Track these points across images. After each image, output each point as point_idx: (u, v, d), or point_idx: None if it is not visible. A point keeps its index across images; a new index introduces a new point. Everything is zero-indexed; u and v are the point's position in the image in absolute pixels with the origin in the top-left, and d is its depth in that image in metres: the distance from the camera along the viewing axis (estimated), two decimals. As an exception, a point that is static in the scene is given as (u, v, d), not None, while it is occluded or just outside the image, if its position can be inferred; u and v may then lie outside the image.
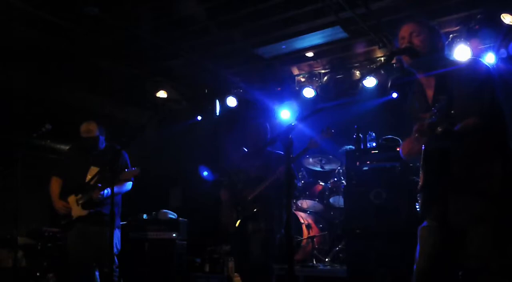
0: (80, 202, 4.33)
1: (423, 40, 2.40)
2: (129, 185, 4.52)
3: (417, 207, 2.39)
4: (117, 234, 4.40)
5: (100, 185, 4.23)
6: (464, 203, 2.22)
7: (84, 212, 4.31)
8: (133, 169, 4.39)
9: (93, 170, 4.36)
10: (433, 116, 2.08)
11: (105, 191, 4.23)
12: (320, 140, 4.15)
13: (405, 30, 2.46)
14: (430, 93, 2.43)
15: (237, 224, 4.21)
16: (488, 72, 2.32)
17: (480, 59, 2.45)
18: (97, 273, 4.34)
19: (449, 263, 2.30)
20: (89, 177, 4.35)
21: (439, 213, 2.29)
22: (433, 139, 2.19)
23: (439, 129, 2.09)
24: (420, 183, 2.33)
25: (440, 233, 2.31)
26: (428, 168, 2.29)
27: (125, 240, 4.58)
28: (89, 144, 4.50)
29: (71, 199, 4.37)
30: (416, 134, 2.18)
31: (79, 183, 4.35)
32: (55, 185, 4.52)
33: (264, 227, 4.11)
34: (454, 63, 2.45)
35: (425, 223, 2.41)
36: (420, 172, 2.33)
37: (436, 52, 2.44)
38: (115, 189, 4.27)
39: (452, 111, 2.17)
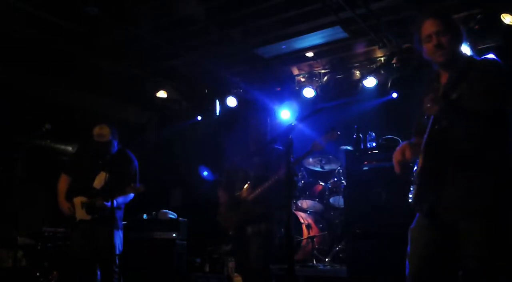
0: (85, 206, 4.33)
1: (450, 40, 2.36)
2: (132, 195, 4.52)
3: (409, 197, 2.35)
4: (120, 235, 4.41)
5: (104, 192, 4.23)
6: (459, 194, 2.20)
7: (87, 217, 4.32)
8: (138, 185, 4.38)
9: (102, 175, 4.36)
10: (450, 80, 2.06)
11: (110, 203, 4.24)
12: (324, 142, 4.05)
13: (428, 28, 2.40)
14: (444, 81, 2.41)
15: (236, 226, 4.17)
16: (503, 70, 2.30)
17: (495, 57, 2.41)
18: (98, 273, 4.35)
19: (445, 263, 2.27)
20: (97, 182, 4.37)
21: (432, 206, 2.26)
22: (443, 111, 2.15)
23: (454, 95, 2.07)
24: (417, 168, 2.29)
25: (432, 232, 2.28)
26: (429, 151, 2.26)
27: (125, 240, 4.58)
28: (101, 149, 4.45)
29: (77, 200, 4.38)
30: (429, 104, 2.15)
31: (86, 185, 4.36)
32: (63, 183, 4.51)
33: (264, 229, 4.05)
34: (473, 60, 2.40)
35: (414, 223, 2.39)
36: (420, 157, 2.30)
37: (458, 49, 2.40)
38: (120, 199, 4.33)
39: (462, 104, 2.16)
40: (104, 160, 4.42)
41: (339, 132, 3.96)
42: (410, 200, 2.34)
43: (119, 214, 4.44)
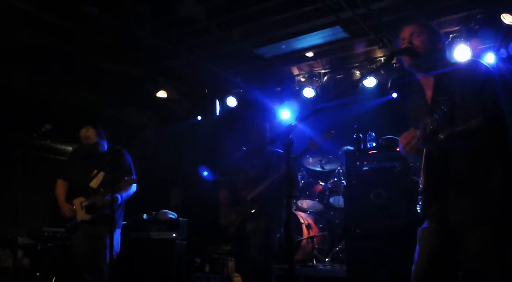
0: (84, 205, 4.34)
1: (424, 41, 2.42)
2: (134, 187, 4.51)
3: (417, 208, 2.38)
4: (117, 235, 4.39)
5: (102, 189, 4.25)
6: (465, 203, 2.22)
7: (88, 216, 4.33)
8: (133, 177, 4.40)
9: (96, 174, 4.37)
10: (435, 123, 2.08)
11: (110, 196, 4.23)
12: (320, 141, 4.11)
13: (405, 31, 2.47)
14: (429, 93, 2.44)
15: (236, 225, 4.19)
16: (488, 73, 2.32)
17: (479, 60, 2.45)
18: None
19: (449, 264, 2.30)
20: (93, 180, 4.38)
21: (439, 214, 2.30)
22: (436, 144, 2.19)
23: (441, 136, 2.10)
24: (421, 185, 2.33)
25: (440, 234, 2.32)
26: (429, 170, 2.30)
27: (125, 240, 4.57)
28: (89, 150, 4.50)
29: (76, 202, 4.39)
30: (420, 141, 2.19)
31: (83, 186, 4.37)
32: (61, 188, 4.54)
33: (263, 227, 4.08)
34: (454, 64, 2.45)
35: (425, 224, 2.42)
36: (421, 174, 2.33)
37: (436, 53, 2.44)
38: (124, 194, 4.34)
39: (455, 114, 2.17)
40: (95, 160, 4.45)
41: (333, 131, 4.00)
42: (418, 210, 2.37)
43: (119, 213, 4.45)
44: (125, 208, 4.62)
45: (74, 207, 4.39)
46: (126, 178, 4.33)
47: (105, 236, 4.13)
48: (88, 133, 4.47)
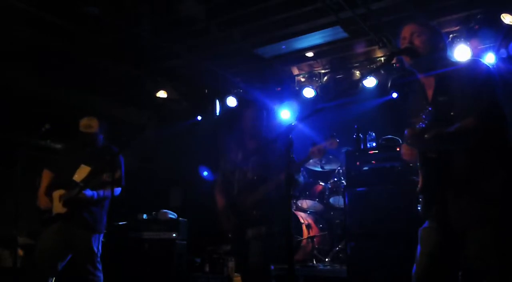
0: (63, 199, 4.15)
1: (424, 41, 2.42)
2: (116, 190, 4.26)
3: (418, 208, 2.39)
4: (99, 239, 4.22)
5: (82, 184, 4.06)
6: (465, 204, 2.22)
7: (63, 210, 4.14)
8: (121, 180, 4.30)
9: (83, 168, 4.21)
10: (421, 122, 2.08)
11: (89, 193, 4.09)
12: (323, 149, 3.93)
13: (406, 31, 2.47)
14: (430, 93, 2.44)
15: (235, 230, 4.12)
16: (488, 72, 2.32)
17: (480, 59, 2.46)
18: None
19: (449, 264, 2.31)
20: (77, 175, 4.21)
21: (440, 214, 2.30)
22: (425, 144, 2.19)
23: (426, 136, 2.10)
24: (419, 185, 2.33)
25: (441, 234, 2.32)
26: (426, 170, 2.30)
27: (125, 240, 4.55)
28: (86, 140, 4.33)
29: (56, 194, 4.22)
30: (408, 141, 2.19)
31: (67, 179, 4.21)
32: (45, 178, 4.40)
33: (264, 232, 3.94)
34: (454, 63, 2.45)
35: (426, 224, 2.42)
36: (419, 174, 2.33)
37: (437, 53, 2.44)
38: (101, 193, 4.14)
39: (452, 113, 2.17)
40: (87, 152, 4.31)
41: (338, 140, 3.86)
42: (419, 209, 2.37)
43: (100, 215, 4.25)
44: (125, 208, 4.55)
45: (53, 200, 4.22)
46: (106, 174, 4.07)
47: (81, 241, 4.08)
48: (91, 122, 4.33)
